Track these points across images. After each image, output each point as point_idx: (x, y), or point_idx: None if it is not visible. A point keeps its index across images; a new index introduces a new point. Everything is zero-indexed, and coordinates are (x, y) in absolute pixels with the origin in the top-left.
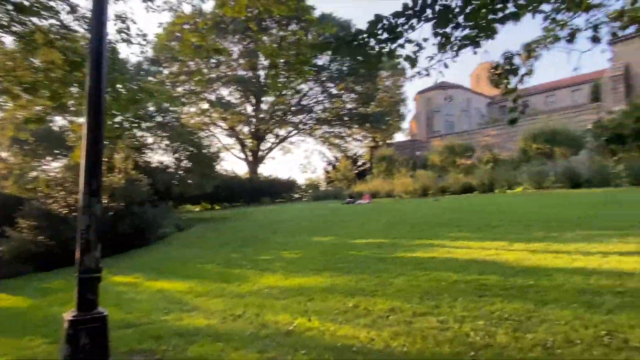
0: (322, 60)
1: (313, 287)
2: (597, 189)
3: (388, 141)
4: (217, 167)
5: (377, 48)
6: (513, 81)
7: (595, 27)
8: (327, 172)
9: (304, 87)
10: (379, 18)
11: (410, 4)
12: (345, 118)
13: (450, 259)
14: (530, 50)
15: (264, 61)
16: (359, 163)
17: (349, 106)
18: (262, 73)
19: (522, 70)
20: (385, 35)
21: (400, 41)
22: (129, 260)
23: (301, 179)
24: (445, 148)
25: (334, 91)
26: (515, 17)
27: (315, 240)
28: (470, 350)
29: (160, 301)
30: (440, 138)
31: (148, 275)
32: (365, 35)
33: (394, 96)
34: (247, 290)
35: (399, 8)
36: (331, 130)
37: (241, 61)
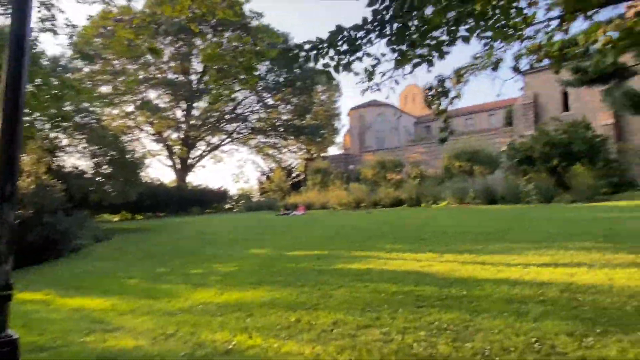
0: (258, 70)
1: (252, 302)
2: (511, 205)
3: (322, 154)
4: (142, 174)
5: (336, 59)
6: (444, 103)
7: (517, 58)
8: (261, 182)
9: (239, 95)
10: (340, 29)
11: (370, 18)
12: (281, 129)
13: (387, 270)
14: (459, 75)
15: (196, 65)
16: (294, 174)
17: (284, 117)
18: (194, 78)
19: (452, 94)
20: (345, 47)
21: (359, 54)
22: (38, 275)
23: (233, 189)
24: (377, 163)
25: (270, 101)
26: (466, 40)
27: (252, 252)
28: None
29: (78, 320)
30: (372, 153)
31: (62, 292)
32: (325, 45)
33: (328, 110)
34: (179, 307)
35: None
36: (266, 140)
37: (172, 64)
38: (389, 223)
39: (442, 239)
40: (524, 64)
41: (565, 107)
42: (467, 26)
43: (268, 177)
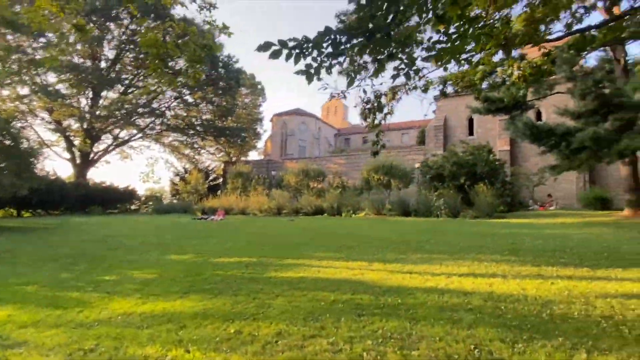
0: (179, 64)
1: (181, 312)
2: (423, 217)
3: (242, 158)
4: (38, 166)
5: (318, 60)
6: (378, 117)
7: (445, 83)
8: (175, 183)
9: (154, 88)
10: (328, 30)
11: (355, 25)
12: (200, 128)
13: (321, 278)
14: (394, 92)
15: (108, 52)
16: (211, 177)
17: (205, 117)
18: (104, 65)
19: (386, 110)
20: (329, 49)
21: (341, 59)
22: None
23: (141, 189)
24: (301, 171)
25: (190, 99)
26: (439, 58)
27: (172, 258)
28: None
29: None
30: (295, 161)
31: None
32: (310, 45)
33: (251, 114)
34: (95, 319)
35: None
36: (183, 138)
37: (79, 47)
38: (314, 231)
39: (368, 248)
40: (449, 89)
41: (470, 132)
42: (440, 46)
43: (183, 179)
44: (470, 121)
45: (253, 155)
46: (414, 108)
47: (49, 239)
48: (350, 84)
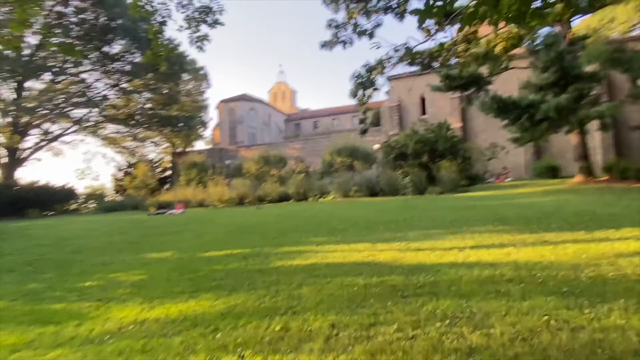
0: (115, 48)
1: (204, 313)
2: (390, 197)
3: (188, 148)
4: None
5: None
6: (367, 93)
7: (431, 55)
8: (118, 179)
9: (87, 76)
10: None
11: None
12: (142, 118)
13: (335, 263)
14: (382, 65)
15: (30, 37)
16: (158, 170)
17: (146, 106)
18: (28, 52)
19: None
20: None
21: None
22: None
23: (79, 187)
24: (261, 158)
25: (128, 87)
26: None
27: (152, 257)
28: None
29: None
30: (249, 148)
31: None
32: None
33: (196, 101)
34: (102, 332)
35: None
36: (123, 130)
37: None
38: (292, 217)
39: (358, 230)
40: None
41: (423, 112)
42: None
43: (128, 173)
44: (423, 101)
45: (200, 145)
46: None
47: None
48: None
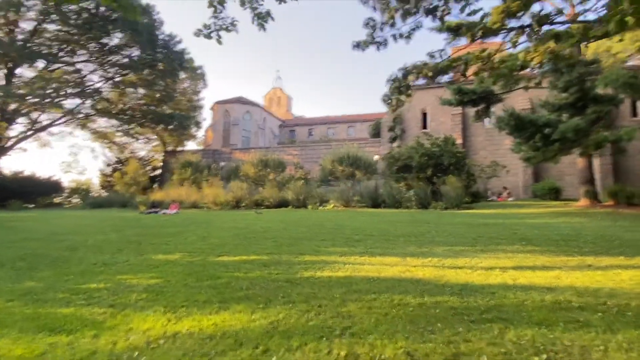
0: (115, 40)
1: (244, 329)
2: (394, 209)
3: (179, 147)
4: None
5: None
6: (402, 97)
7: (466, 63)
8: (106, 174)
9: (82, 67)
10: None
11: None
12: (137, 114)
13: (372, 278)
14: (419, 71)
15: (25, 24)
16: (148, 168)
17: (140, 102)
18: (21, 37)
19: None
20: None
21: None
22: None
23: (63, 180)
24: (260, 161)
25: (124, 81)
26: None
27: (158, 259)
28: None
29: None
30: (244, 151)
31: None
32: None
33: (191, 101)
34: (127, 347)
35: None
36: (115, 125)
37: None
38: (296, 224)
39: (377, 242)
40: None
41: (424, 125)
42: None
43: (117, 169)
44: (425, 115)
45: (191, 145)
46: (358, 102)
47: None
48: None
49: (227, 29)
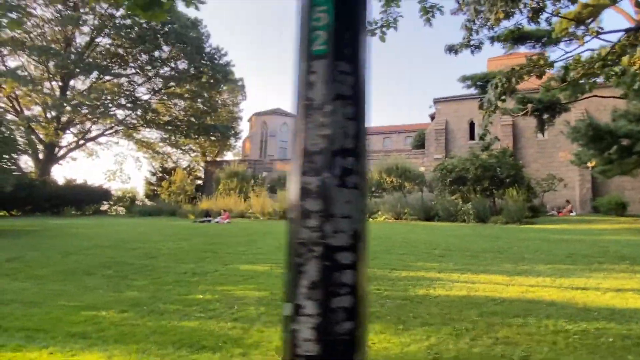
0: (164, 53)
1: (405, 355)
2: (448, 222)
3: (219, 158)
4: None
5: None
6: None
7: (567, 69)
8: (151, 183)
9: (131, 79)
10: None
11: None
12: (183, 125)
13: (494, 298)
14: (520, 74)
15: (79, 38)
16: (192, 177)
17: (187, 113)
18: (75, 50)
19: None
20: None
21: None
22: None
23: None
24: None
25: (170, 92)
26: None
27: (246, 269)
28: None
29: None
30: (286, 162)
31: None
32: None
33: (231, 112)
34: None
35: None
36: (162, 135)
37: (47, 28)
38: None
39: (463, 258)
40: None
41: (471, 136)
42: None
43: (163, 178)
44: (472, 125)
45: (229, 156)
46: (389, 113)
47: (49, 244)
48: None
49: (390, 26)
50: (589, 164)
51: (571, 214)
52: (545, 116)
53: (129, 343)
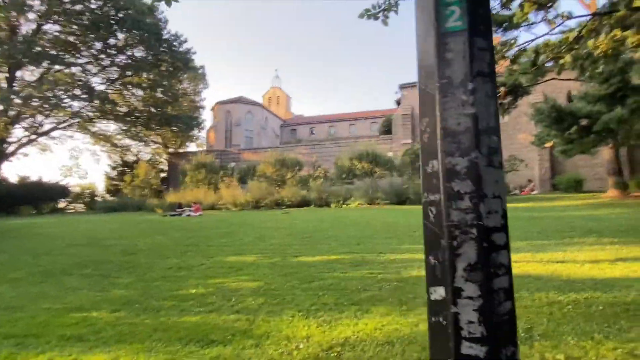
0: (119, 40)
1: (416, 335)
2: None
3: (182, 149)
4: None
5: None
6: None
7: (537, 52)
8: (111, 177)
9: (85, 68)
10: None
11: None
12: (141, 116)
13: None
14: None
15: (30, 20)
16: (155, 170)
17: (146, 103)
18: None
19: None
20: None
21: None
22: None
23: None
24: (277, 161)
25: (126, 81)
26: None
27: (234, 260)
28: None
29: None
30: (255, 151)
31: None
32: None
33: (193, 102)
34: (309, 354)
35: None
36: (120, 127)
37: None
38: (340, 223)
39: None
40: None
41: None
42: None
43: (124, 172)
44: None
45: (193, 147)
46: (356, 100)
47: (14, 245)
48: None
49: (391, 9)
50: (546, 145)
51: (533, 192)
52: (509, 99)
53: (132, 342)
